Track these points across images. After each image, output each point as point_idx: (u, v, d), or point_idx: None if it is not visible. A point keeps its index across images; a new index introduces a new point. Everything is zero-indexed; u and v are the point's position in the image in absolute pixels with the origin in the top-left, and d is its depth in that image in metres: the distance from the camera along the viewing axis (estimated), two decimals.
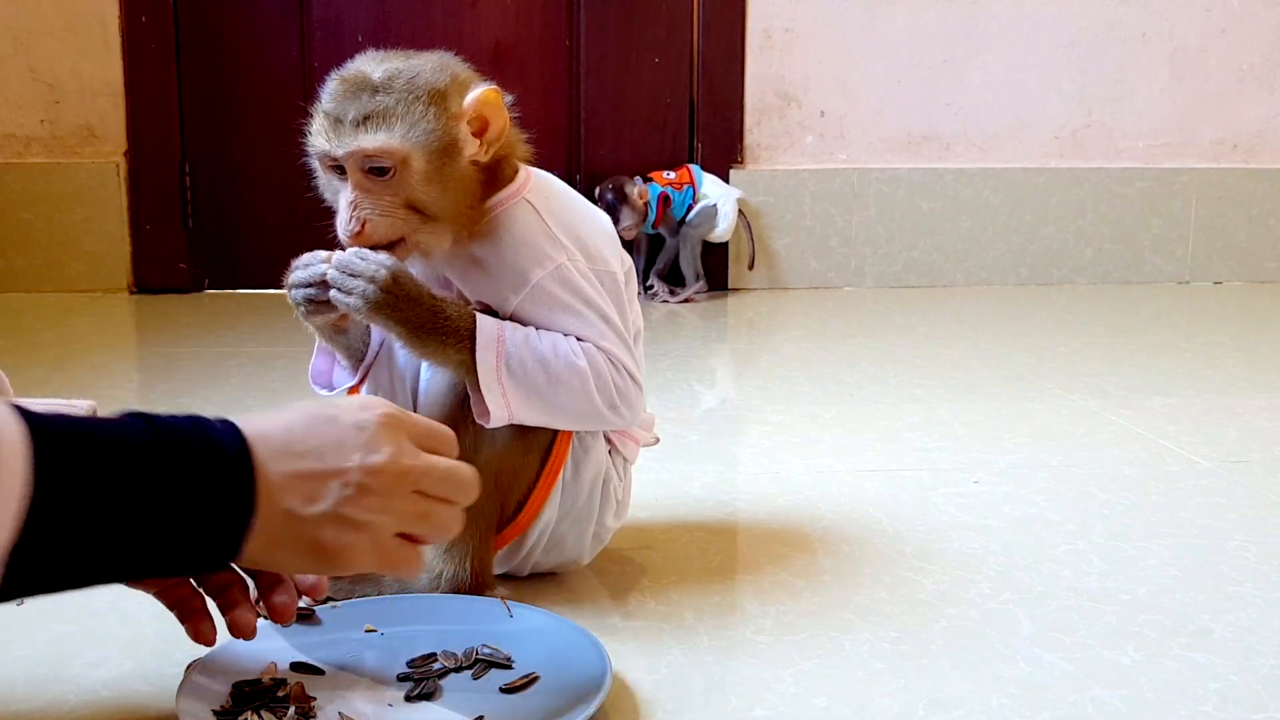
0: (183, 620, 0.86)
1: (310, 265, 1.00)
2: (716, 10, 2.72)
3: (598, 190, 2.55)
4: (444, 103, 0.99)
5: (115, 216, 2.66)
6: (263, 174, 2.70)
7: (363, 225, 0.98)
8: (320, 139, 0.99)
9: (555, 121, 2.74)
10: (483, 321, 0.99)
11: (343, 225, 0.99)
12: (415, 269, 1.06)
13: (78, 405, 0.83)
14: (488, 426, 1.00)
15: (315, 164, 1.03)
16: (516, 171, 1.06)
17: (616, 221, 2.51)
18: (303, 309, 1.01)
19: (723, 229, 2.63)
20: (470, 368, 0.98)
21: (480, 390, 0.98)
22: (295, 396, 1.77)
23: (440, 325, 0.98)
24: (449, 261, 1.04)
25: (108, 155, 2.66)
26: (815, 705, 0.89)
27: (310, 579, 0.87)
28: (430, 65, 1.00)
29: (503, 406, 0.99)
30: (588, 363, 1.00)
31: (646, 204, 2.57)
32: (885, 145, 2.81)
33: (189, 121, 2.69)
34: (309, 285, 1.00)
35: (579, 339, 1.02)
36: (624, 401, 1.03)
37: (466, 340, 0.98)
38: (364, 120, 0.97)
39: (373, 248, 0.98)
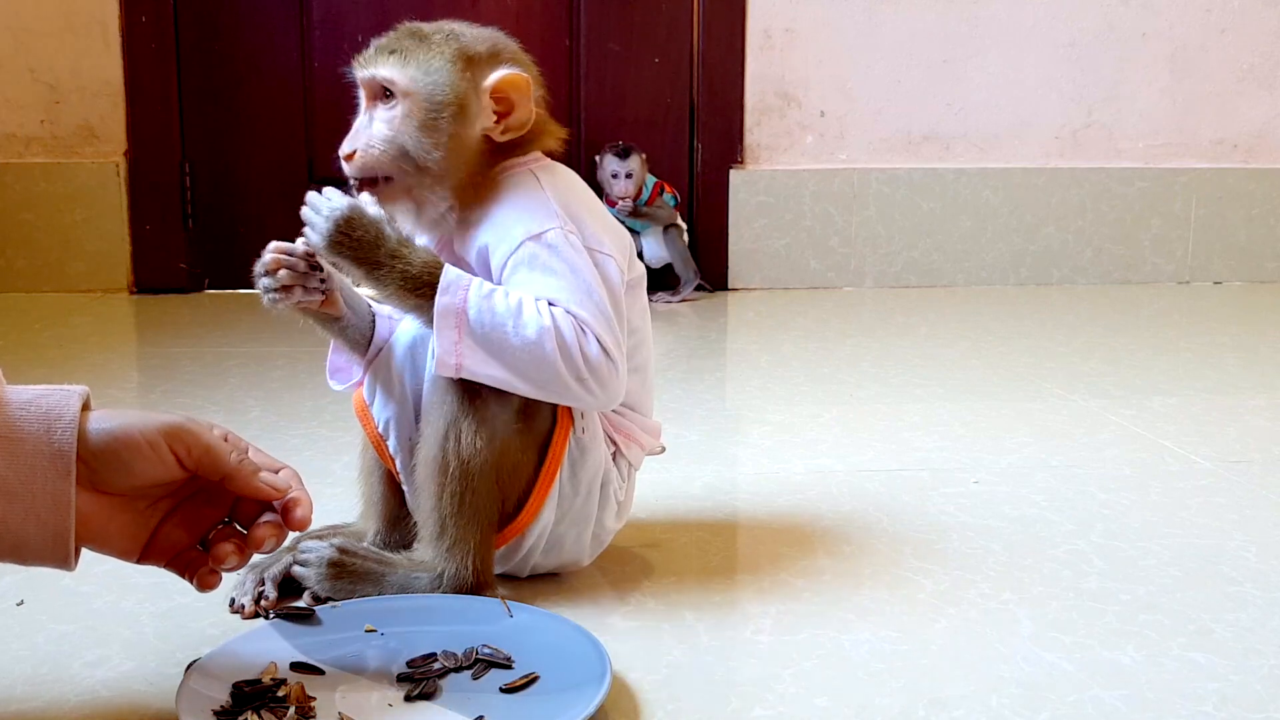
0: (190, 577, 0.88)
1: (264, 255, 1.03)
2: (716, 10, 2.72)
3: (607, 146, 2.60)
4: (470, 67, 1.03)
5: (115, 216, 2.66)
6: (263, 174, 2.70)
7: (354, 153, 1.04)
8: (356, 62, 1.05)
9: (555, 121, 2.73)
10: (450, 270, 0.99)
11: (343, 145, 1.05)
12: (419, 234, 1.08)
13: (71, 390, 0.83)
14: (439, 374, 0.99)
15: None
16: (532, 153, 1.08)
17: (625, 161, 2.58)
18: (266, 298, 1.04)
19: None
20: (428, 312, 0.98)
21: (435, 335, 0.98)
22: (293, 396, 1.78)
23: (398, 270, 0.98)
24: (463, 219, 1.06)
25: (108, 155, 2.66)
26: (815, 705, 0.89)
27: (294, 497, 0.89)
28: (476, 34, 1.06)
29: (453, 354, 0.98)
30: (554, 324, 0.98)
31: (647, 179, 2.61)
32: (885, 145, 2.81)
33: (189, 121, 2.69)
34: (265, 274, 1.03)
35: (552, 303, 1.00)
36: (594, 376, 0.99)
37: (428, 287, 0.98)
38: (391, 53, 1.03)
39: (361, 179, 1.03)
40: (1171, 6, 2.82)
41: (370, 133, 1.04)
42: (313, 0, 2.68)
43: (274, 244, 1.03)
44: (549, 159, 1.10)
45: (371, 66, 1.04)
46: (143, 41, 2.64)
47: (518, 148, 1.07)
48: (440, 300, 0.98)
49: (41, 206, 2.65)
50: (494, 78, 1.04)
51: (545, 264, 1.01)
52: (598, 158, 2.62)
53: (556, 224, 1.03)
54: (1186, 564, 1.17)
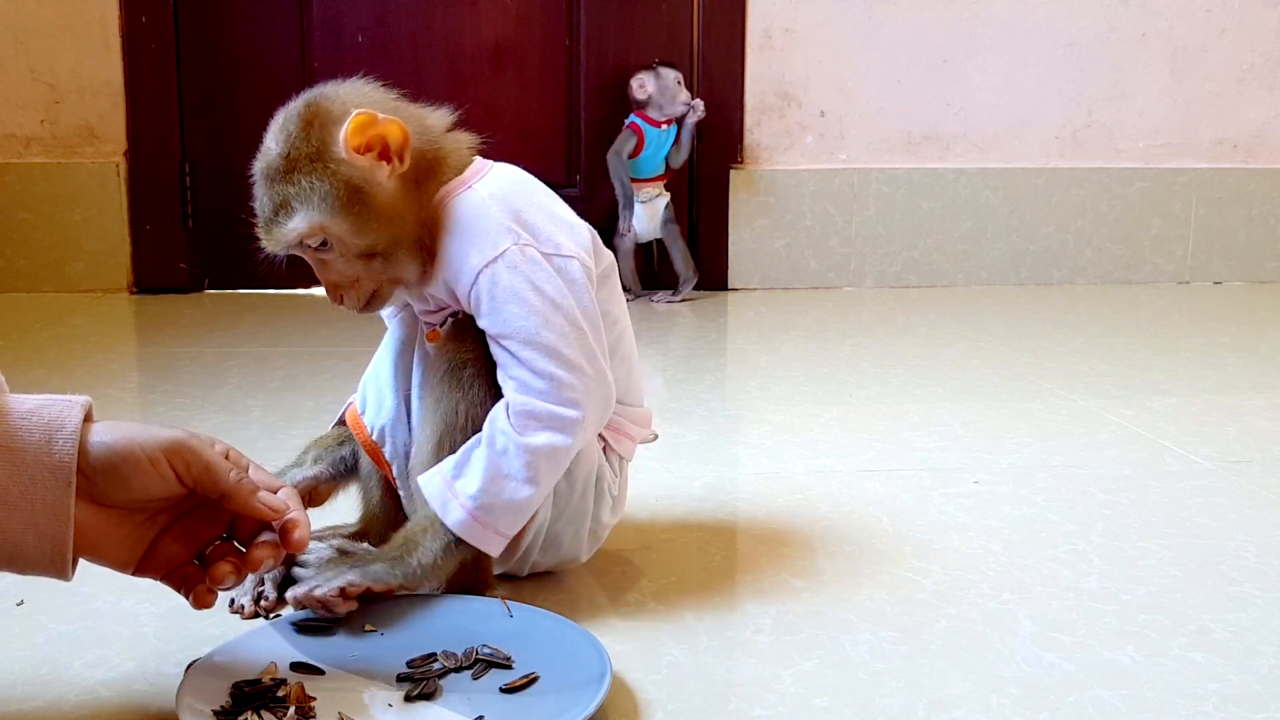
0: (186, 593, 0.87)
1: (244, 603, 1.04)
2: (716, 10, 2.72)
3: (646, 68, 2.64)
4: (323, 157, 0.98)
5: (115, 216, 2.66)
6: None
7: (340, 297, 1.03)
8: (263, 241, 1.02)
9: (555, 122, 2.74)
10: (428, 489, 1.00)
11: (329, 297, 1.04)
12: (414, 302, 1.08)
13: (74, 401, 0.83)
14: (497, 555, 1.02)
15: None
16: (465, 166, 1.05)
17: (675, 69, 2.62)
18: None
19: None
20: (455, 539, 0.99)
21: (480, 548, 0.99)
22: (294, 396, 1.78)
23: (415, 544, 0.99)
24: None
25: (108, 155, 2.66)
26: (815, 705, 0.89)
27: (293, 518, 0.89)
28: (299, 120, 0.99)
29: (496, 542, 1.00)
30: (529, 439, 0.98)
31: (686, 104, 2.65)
32: (885, 145, 2.81)
33: (189, 121, 2.69)
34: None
35: (515, 395, 0.99)
36: (589, 413, 0.99)
37: (436, 523, 0.99)
38: (274, 214, 0.99)
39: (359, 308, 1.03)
40: (1171, 6, 2.82)
41: (334, 272, 1.01)
42: (313, 1, 2.68)
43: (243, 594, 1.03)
44: (488, 162, 1.06)
45: (276, 241, 0.99)
46: (143, 41, 2.64)
47: (441, 168, 1.03)
48: (452, 522, 0.98)
49: (41, 206, 2.64)
50: (340, 146, 0.97)
51: (506, 288, 0.99)
52: (640, 76, 2.61)
53: (509, 241, 1.00)
54: (1186, 564, 1.17)
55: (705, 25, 2.73)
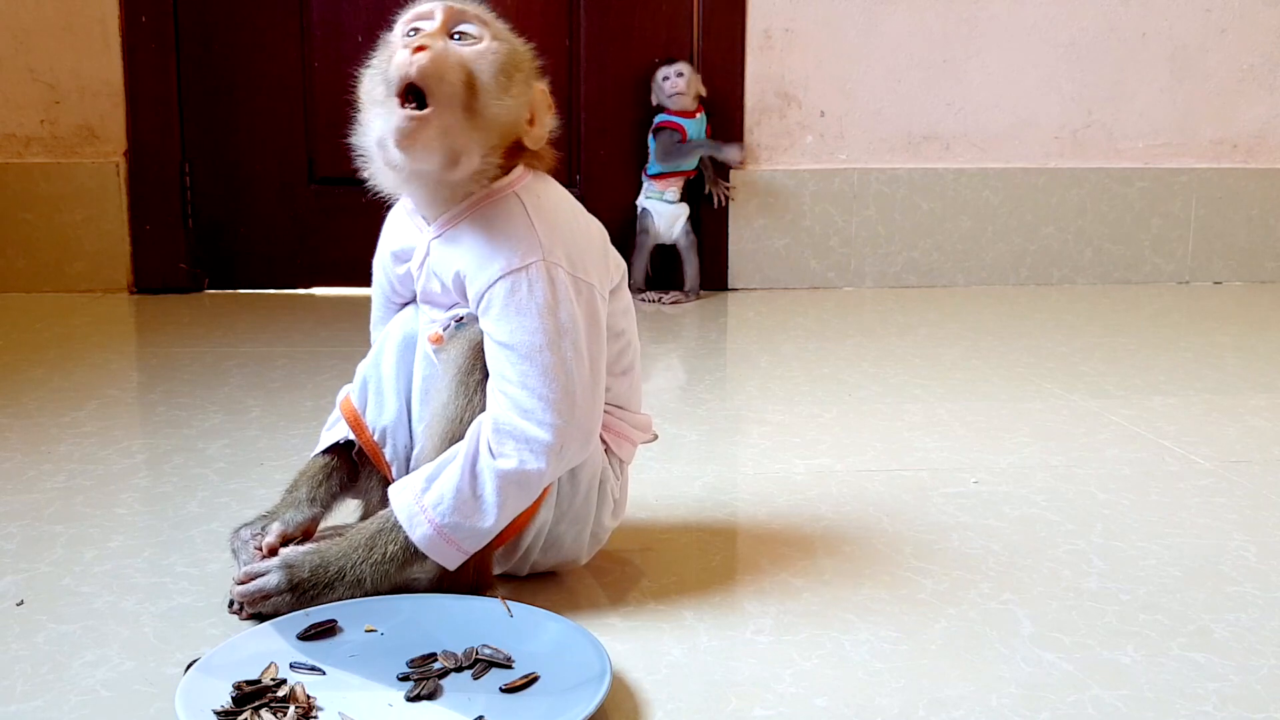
0: None
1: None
2: (716, 10, 2.72)
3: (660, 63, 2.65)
4: (534, 64, 1.07)
5: (115, 216, 2.66)
6: (263, 174, 2.70)
7: (427, 45, 0.98)
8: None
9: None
10: (394, 499, 1.00)
11: (405, 49, 0.98)
12: (414, 206, 1.07)
13: None
14: (452, 569, 1.00)
15: (372, 73, 1.03)
16: (519, 166, 1.06)
17: (672, 64, 2.63)
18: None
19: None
20: (412, 549, 0.98)
21: (432, 556, 0.99)
22: (293, 396, 1.78)
23: (367, 551, 0.99)
24: (442, 238, 1.04)
25: (108, 155, 2.66)
26: (815, 705, 0.89)
27: None
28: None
29: (458, 557, 0.99)
30: (497, 464, 0.97)
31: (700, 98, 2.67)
32: (885, 145, 2.81)
33: (189, 121, 2.69)
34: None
35: (501, 408, 0.99)
36: (563, 439, 0.98)
37: (395, 530, 0.99)
38: (481, 4, 1.05)
39: (408, 91, 0.97)
40: (1171, 6, 2.82)
41: (450, 44, 1.00)
42: (313, 0, 2.68)
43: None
44: (533, 172, 1.07)
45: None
46: (143, 41, 2.64)
47: (517, 159, 1.05)
48: (415, 536, 0.98)
49: (41, 206, 2.64)
50: (539, 86, 1.07)
51: (520, 301, 0.99)
52: (665, 71, 2.63)
53: (537, 256, 1.00)
54: (1186, 564, 1.17)
55: (705, 25, 2.73)
